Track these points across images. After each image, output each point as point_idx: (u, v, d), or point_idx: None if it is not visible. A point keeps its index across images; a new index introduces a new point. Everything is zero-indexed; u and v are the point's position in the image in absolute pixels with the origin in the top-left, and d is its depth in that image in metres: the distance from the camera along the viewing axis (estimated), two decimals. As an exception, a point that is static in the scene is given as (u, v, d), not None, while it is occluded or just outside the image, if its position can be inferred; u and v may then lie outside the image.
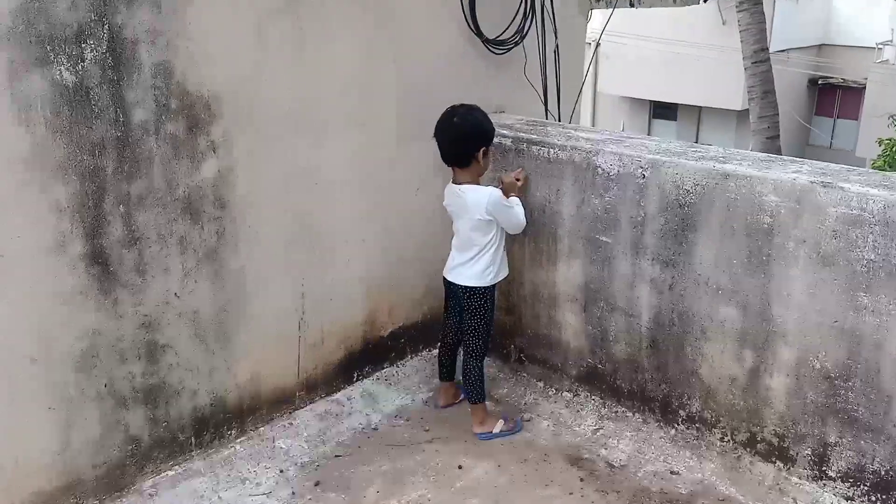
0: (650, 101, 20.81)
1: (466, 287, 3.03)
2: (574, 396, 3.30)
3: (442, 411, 3.26)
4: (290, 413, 3.10)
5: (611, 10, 3.98)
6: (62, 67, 2.20)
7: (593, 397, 3.27)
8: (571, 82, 3.86)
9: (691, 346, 2.89)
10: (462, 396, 3.27)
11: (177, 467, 2.75)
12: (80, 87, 2.25)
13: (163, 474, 2.72)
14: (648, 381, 3.07)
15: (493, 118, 3.39)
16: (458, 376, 3.26)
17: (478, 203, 2.91)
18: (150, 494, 2.65)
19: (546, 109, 3.67)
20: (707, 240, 2.75)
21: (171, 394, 2.68)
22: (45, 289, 2.29)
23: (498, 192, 2.96)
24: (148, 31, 2.37)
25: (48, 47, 2.16)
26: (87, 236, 2.34)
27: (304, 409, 3.14)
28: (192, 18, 2.47)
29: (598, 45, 3.96)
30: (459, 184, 2.98)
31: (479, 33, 3.39)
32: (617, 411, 3.18)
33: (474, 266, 3.02)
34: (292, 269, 2.98)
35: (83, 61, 2.24)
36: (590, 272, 3.13)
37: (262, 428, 3.00)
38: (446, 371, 3.28)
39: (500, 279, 3.10)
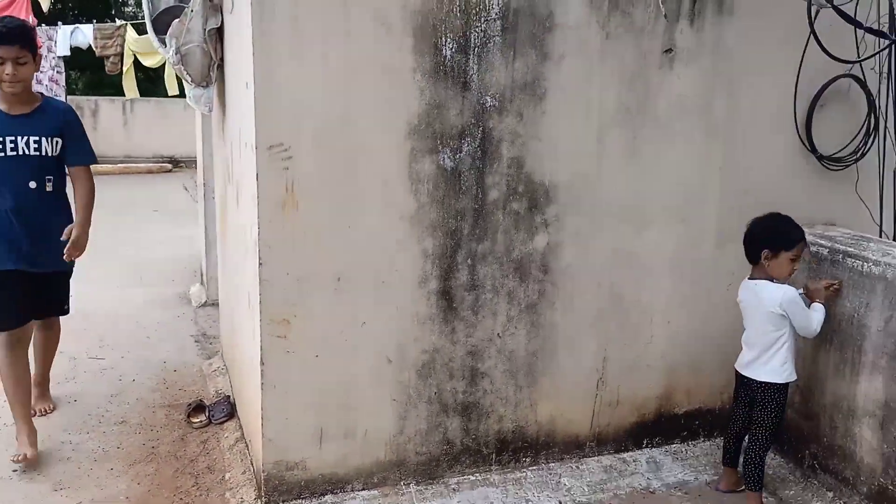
0: None
1: (763, 382, 3.22)
2: (863, 515, 3.23)
3: (721, 494, 3.44)
4: (578, 458, 3.57)
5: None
6: (445, 155, 3.07)
7: (884, 520, 3.16)
8: (919, 203, 3.77)
9: None
10: (744, 486, 3.41)
11: (477, 474, 3.41)
12: (455, 170, 3.10)
13: (465, 476, 3.39)
14: (946, 518, 2.90)
15: (818, 230, 3.54)
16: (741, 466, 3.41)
17: (772, 298, 3.14)
18: (453, 489, 3.34)
19: (880, 228, 3.65)
20: None
21: (482, 413, 3.37)
22: (408, 311, 3.15)
23: (793, 291, 3.15)
24: (510, 133, 3.15)
25: (438, 141, 3.05)
26: (441, 278, 3.17)
27: (592, 458, 3.59)
28: (545, 126, 3.19)
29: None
30: (754, 279, 3.23)
31: (812, 150, 3.58)
32: (908, 540, 3.04)
33: (770, 362, 3.20)
34: (599, 335, 3.49)
35: (460, 152, 3.10)
36: (891, 390, 3.08)
37: (552, 464, 3.53)
38: (730, 457, 3.45)
39: (794, 378, 3.23)
